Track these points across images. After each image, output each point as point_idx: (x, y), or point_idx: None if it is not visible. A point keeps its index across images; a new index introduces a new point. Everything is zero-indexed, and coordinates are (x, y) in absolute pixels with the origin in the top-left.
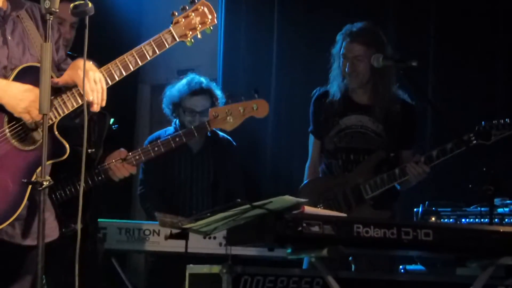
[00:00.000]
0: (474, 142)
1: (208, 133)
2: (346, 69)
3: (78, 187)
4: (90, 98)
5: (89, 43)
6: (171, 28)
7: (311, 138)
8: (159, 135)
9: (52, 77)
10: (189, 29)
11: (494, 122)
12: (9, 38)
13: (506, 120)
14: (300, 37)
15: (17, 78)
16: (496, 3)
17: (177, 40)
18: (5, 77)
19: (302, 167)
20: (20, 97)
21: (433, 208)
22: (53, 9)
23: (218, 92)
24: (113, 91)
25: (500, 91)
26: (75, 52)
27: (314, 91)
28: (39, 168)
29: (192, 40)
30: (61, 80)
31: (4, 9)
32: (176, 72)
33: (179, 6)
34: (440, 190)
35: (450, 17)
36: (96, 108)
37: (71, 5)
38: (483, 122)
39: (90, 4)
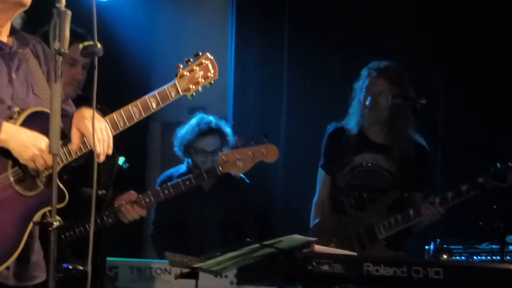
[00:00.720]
0: (489, 185)
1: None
2: (367, 103)
3: (88, 228)
4: (98, 150)
5: (98, 84)
6: (175, 81)
7: (321, 172)
8: (171, 174)
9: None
10: (193, 84)
11: (509, 164)
12: (14, 76)
13: None
14: (310, 78)
15: (25, 123)
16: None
17: (181, 94)
18: (10, 117)
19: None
20: (28, 145)
21: (445, 246)
22: (62, 50)
23: (228, 130)
24: (123, 130)
25: None
26: (85, 92)
27: (329, 126)
28: (39, 213)
29: (194, 94)
30: (74, 140)
31: (10, 45)
32: (186, 111)
33: (187, 53)
34: (451, 227)
35: (459, 54)
36: (102, 158)
37: (80, 45)
38: (498, 164)
39: (99, 45)
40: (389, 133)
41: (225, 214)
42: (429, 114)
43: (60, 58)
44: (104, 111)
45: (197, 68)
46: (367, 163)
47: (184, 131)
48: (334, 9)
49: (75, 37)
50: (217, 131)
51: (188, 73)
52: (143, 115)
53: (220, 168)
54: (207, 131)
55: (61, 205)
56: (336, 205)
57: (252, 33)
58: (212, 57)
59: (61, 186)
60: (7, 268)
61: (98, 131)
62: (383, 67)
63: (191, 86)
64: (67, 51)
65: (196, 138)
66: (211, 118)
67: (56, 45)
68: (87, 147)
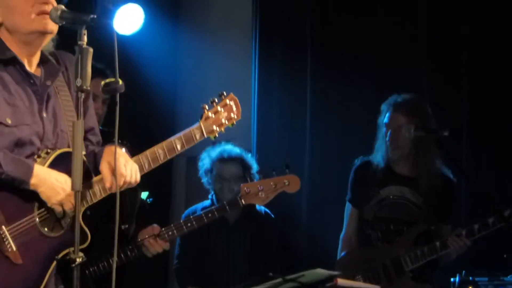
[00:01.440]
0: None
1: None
2: (387, 138)
3: (111, 262)
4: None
5: (120, 119)
6: (200, 123)
7: (348, 206)
8: (196, 209)
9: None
10: (217, 125)
11: None
12: (44, 115)
13: None
14: (333, 110)
15: (53, 164)
16: None
17: (205, 136)
18: (39, 156)
19: (337, 239)
20: (57, 190)
21: (470, 278)
22: (84, 87)
23: (252, 163)
24: None
25: None
26: (105, 127)
27: (356, 160)
28: (61, 253)
29: (217, 135)
30: (107, 177)
31: (39, 76)
32: (211, 145)
33: (210, 88)
34: (477, 259)
35: (482, 87)
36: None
37: (102, 82)
38: None
39: (120, 82)
40: (415, 166)
41: (250, 247)
42: (453, 146)
43: (82, 95)
44: (125, 146)
45: (222, 109)
46: (394, 195)
47: (207, 155)
48: (358, 41)
49: (95, 73)
50: (238, 160)
51: (213, 115)
52: (168, 157)
53: (242, 200)
54: (227, 158)
55: (83, 246)
56: (362, 238)
57: (275, 66)
58: (236, 98)
59: (84, 227)
60: None
61: (129, 176)
62: (400, 101)
63: (215, 127)
64: (89, 88)
65: (216, 163)
66: (236, 148)
67: (78, 82)
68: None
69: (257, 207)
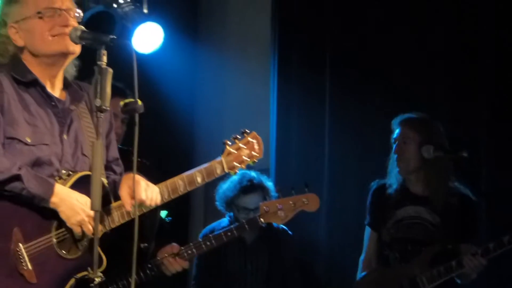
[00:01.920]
0: None
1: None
2: (393, 152)
3: (130, 281)
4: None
5: (139, 142)
6: (222, 159)
7: (368, 230)
8: (214, 228)
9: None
10: (238, 162)
11: None
12: (65, 138)
13: None
14: (351, 129)
15: (75, 186)
16: None
17: (226, 171)
18: (60, 177)
19: (355, 258)
20: (77, 210)
21: None
22: (103, 107)
23: (270, 185)
24: None
25: None
26: (125, 145)
27: (372, 183)
28: (78, 275)
29: (237, 171)
30: (126, 201)
31: (63, 100)
32: None
33: (229, 108)
34: (493, 279)
35: (503, 105)
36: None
37: (121, 102)
38: None
39: (140, 102)
40: (428, 185)
41: (268, 267)
42: (472, 166)
43: (102, 115)
44: (144, 165)
45: (244, 146)
46: (410, 216)
47: (226, 187)
48: (376, 63)
49: (115, 92)
50: (259, 188)
51: (235, 152)
52: (188, 189)
53: (262, 219)
54: (249, 188)
55: (99, 270)
56: (381, 260)
57: (293, 85)
58: (259, 137)
59: (101, 252)
60: None
61: (149, 202)
62: (407, 117)
63: (236, 164)
64: (108, 109)
65: (238, 195)
66: (253, 174)
67: (98, 102)
68: (130, 216)
69: (275, 225)
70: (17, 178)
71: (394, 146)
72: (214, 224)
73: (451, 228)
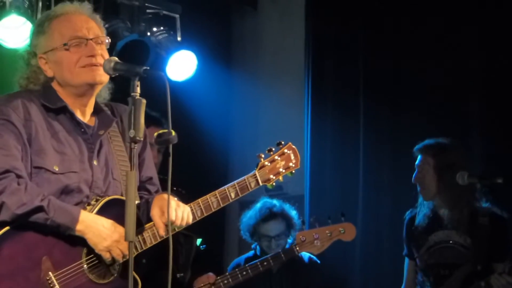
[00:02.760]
0: None
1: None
2: (413, 180)
3: None
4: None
5: (175, 168)
6: (256, 172)
7: (406, 261)
8: (239, 262)
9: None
10: (273, 174)
11: None
12: (95, 163)
13: None
14: (385, 157)
15: (102, 210)
16: None
17: (260, 184)
18: (89, 204)
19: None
20: (104, 236)
21: None
22: (138, 138)
23: (293, 213)
24: None
25: None
26: (161, 174)
27: (406, 213)
28: None
29: (274, 184)
30: (159, 224)
31: (92, 126)
32: (264, 189)
33: (264, 133)
34: None
35: None
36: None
37: (155, 134)
38: None
39: (173, 133)
40: (461, 207)
41: None
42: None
43: (135, 146)
44: (180, 193)
45: (279, 158)
46: (442, 240)
47: (248, 216)
48: (409, 83)
49: (150, 121)
50: (279, 215)
51: (269, 163)
52: (221, 204)
53: (298, 248)
54: (269, 216)
55: None
56: (418, 286)
57: (328, 110)
58: (295, 147)
59: (136, 275)
60: None
61: (179, 220)
62: (424, 144)
63: (271, 176)
64: (142, 139)
65: (259, 223)
66: (274, 202)
67: (132, 133)
68: (161, 237)
69: (300, 254)
70: (40, 209)
71: (414, 173)
72: (240, 258)
73: (483, 248)
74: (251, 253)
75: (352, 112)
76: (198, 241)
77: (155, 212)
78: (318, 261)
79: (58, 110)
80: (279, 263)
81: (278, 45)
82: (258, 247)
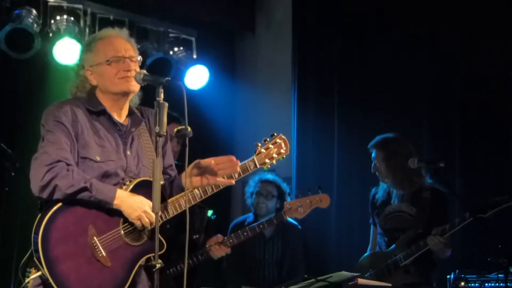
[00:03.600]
0: (471, 218)
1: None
2: (372, 170)
3: (188, 264)
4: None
5: (190, 158)
6: (254, 157)
7: (371, 228)
8: (239, 221)
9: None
10: (268, 158)
11: (489, 200)
12: (128, 153)
13: (500, 197)
14: (354, 145)
15: (134, 189)
16: None
17: (258, 167)
18: (124, 184)
19: (360, 247)
20: (135, 208)
21: (462, 275)
22: (161, 133)
23: (283, 185)
24: None
25: None
26: (179, 161)
27: (372, 190)
28: (143, 258)
29: (269, 166)
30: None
31: (125, 125)
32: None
33: (260, 129)
34: (468, 261)
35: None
36: None
37: (175, 129)
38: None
39: (189, 129)
40: (407, 185)
41: (281, 256)
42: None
43: (160, 139)
44: None
45: (272, 146)
46: (394, 210)
47: (251, 180)
48: (374, 91)
49: (172, 119)
50: (273, 183)
51: (264, 150)
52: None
53: (286, 215)
54: (265, 180)
55: (160, 253)
56: (378, 247)
57: (310, 112)
58: (285, 138)
59: (161, 238)
60: None
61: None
62: (375, 141)
63: (267, 160)
64: (165, 134)
65: (258, 183)
66: (275, 175)
67: (157, 129)
68: (181, 208)
69: (288, 220)
70: (85, 189)
71: (372, 165)
72: (240, 219)
73: (426, 216)
74: (251, 217)
75: (329, 112)
76: (210, 212)
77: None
78: (300, 227)
79: (99, 113)
80: (272, 226)
81: (271, 61)
82: (253, 211)
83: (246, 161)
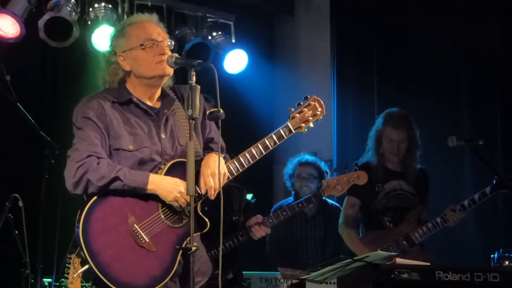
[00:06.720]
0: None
1: (324, 198)
2: (391, 150)
3: (228, 245)
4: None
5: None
6: (288, 123)
7: (349, 198)
8: (282, 204)
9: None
10: (303, 122)
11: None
12: (163, 136)
13: None
14: None
15: (169, 171)
16: None
17: (293, 132)
18: (160, 168)
19: None
20: (170, 190)
21: (506, 254)
22: (194, 115)
23: (322, 164)
24: (253, 172)
25: None
26: None
27: (356, 162)
28: (187, 239)
29: (306, 130)
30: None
31: (157, 108)
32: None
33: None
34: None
35: None
36: (212, 197)
37: (208, 112)
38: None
39: (221, 111)
40: (403, 164)
41: (324, 235)
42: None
43: (193, 122)
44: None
45: (306, 109)
46: (396, 188)
47: (290, 163)
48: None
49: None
50: (313, 164)
51: (298, 115)
52: (264, 152)
53: (324, 192)
54: (304, 162)
55: (205, 231)
56: (373, 224)
57: (348, 93)
58: (319, 98)
59: (203, 216)
60: (174, 281)
61: (209, 180)
62: (389, 115)
63: (302, 124)
64: (198, 116)
65: (297, 167)
66: (311, 156)
67: (189, 112)
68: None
69: (330, 203)
70: (117, 179)
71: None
72: (281, 202)
73: (421, 195)
74: (291, 198)
75: (368, 94)
76: (250, 196)
77: (204, 172)
78: (341, 208)
79: (127, 102)
80: (311, 204)
81: (310, 44)
82: (294, 194)
83: (280, 128)
